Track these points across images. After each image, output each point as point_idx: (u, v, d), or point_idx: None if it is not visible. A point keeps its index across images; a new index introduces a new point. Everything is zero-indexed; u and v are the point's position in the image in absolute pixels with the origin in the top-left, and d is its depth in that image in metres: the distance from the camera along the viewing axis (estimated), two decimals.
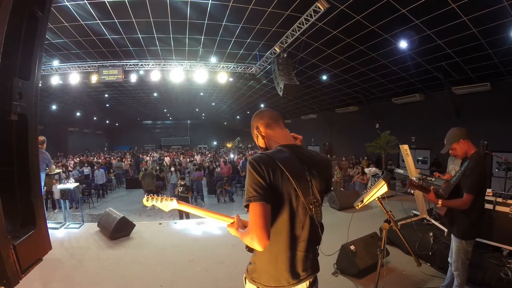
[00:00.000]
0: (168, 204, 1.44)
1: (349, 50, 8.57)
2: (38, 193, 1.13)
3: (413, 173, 4.27)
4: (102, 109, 22.27)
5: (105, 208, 5.43)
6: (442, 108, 9.98)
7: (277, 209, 1.15)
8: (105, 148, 28.92)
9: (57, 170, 9.04)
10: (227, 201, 10.52)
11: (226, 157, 16.76)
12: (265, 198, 1.09)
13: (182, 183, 8.34)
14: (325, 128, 17.74)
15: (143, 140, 32.50)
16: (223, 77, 10.65)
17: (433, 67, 8.57)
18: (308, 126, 19.09)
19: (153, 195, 1.46)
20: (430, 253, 3.34)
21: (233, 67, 10.99)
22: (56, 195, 8.57)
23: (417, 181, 2.40)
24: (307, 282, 1.24)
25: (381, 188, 2.29)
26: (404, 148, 4.51)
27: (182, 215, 7.11)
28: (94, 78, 10.11)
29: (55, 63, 10.10)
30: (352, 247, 3.18)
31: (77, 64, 10.29)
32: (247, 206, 1.13)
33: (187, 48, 9.61)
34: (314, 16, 6.63)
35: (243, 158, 14.37)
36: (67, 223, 5.03)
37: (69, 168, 13.40)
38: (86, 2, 6.46)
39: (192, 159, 16.71)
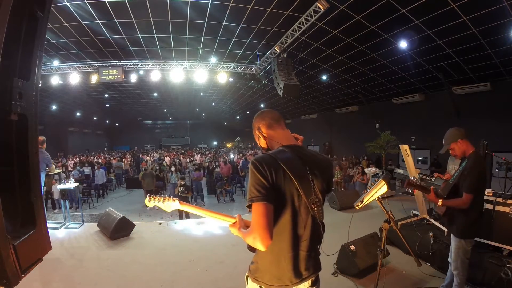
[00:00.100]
0: (171, 204, 1.44)
1: (349, 50, 8.57)
2: (38, 193, 1.13)
3: (413, 173, 4.27)
4: (102, 109, 22.27)
5: (105, 208, 5.43)
6: (442, 108, 9.98)
7: (280, 209, 1.16)
8: (105, 148, 28.92)
9: (57, 170, 9.05)
10: (227, 201, 10.52)
11: (226, 157, 16.77)
12: (268, 198, 1.09)
13: (182, 183, 8.34)
14: (325, 128, 17.74)
15: (143, 140, 32.51)
16: (223, 77, 10.65)
17: (433, 67, 8.57)
18: (308, 126, 19.09)
19: (155, 196, 1.46)
20: (430, 253, 3.34)
21: (233, 67, 10.99)
22: (56, 195, 8.57)
23: (415, 180, 2.41)
24: (309, 281, 1.25)
25: (381, 188, 2.29)
26: (404, 148, 4.51)
27: (182, 215, 7.11)
28: (94, 78, 10.11)
29: (55, 63, 10.10)
30: (352, 247, 3.18)
31: (77, 64, 10.29)
32: (249, 206, 1.13)
33: (187, 48, 9.61)
34: (314, 16, 6.63)
35: (243, 158, 14.37)
36: (67, 223, 5.03)
37: (69, 168, 13.41)
38: (86, 2, 6.46)
39: (192, 159, 16.71)
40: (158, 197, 1.45)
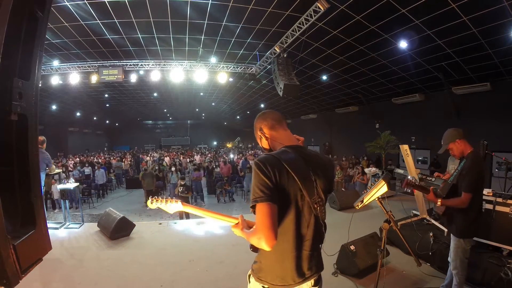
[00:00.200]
0: (173, 206, 1.43)
1: (349, 50, 8.57)
2: (38, 193, 1.13)
3: (413, 173, 4.27)
4: (102, 109, 22.27)
5: (105, 208, 5.43)
6: (442, 108, 9.98)
7: (283, 209, 1.17)
8: (105, 148, 28.92)
9: (57, 170, 9.06)
10: (227, 201, 10.52)
11: (226, 157, 16.76)
12: (272, 198, 1.10)
13: (182, 183, 8.34)
14: (325, 128, 17.75)
15: (143, 140, 32.51)
16: (223, 77, 10.65)
17: (433, 67, 8.57)
18: (308, 126, 19.09)
19: (158, 197, 1.45)
20: (430, 253, 3.34)
21: (233, 67, 10.99)
22: (56, 195, 8.57)
23: (413, 180, 2.42)
24: (312, 281, 1.26)
25: (381, 188, 2.29)
26: (404, 148, 4.51)
27: (182, 215, 7.11)
28: (94, 78, 10.11)
29: (55, 63, 10.10)
30: (352, 247, 3.18)
31: (77, 64, 10.29)
32: (253, 207, 1.13)
33: (187, 48, 9.61)
34: (314, 16, 6.63)
35: (243, 158, 14.37)
36: (67, 223, 5.03)
37: (69, 168, 13.41)
38: (86, 2, 6.46)
39: (192, 159, 16.70)
40: (161, 198, 1.44)
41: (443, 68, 8.44)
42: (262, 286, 1.24)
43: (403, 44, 7.61)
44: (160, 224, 5.10)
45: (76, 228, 4.80)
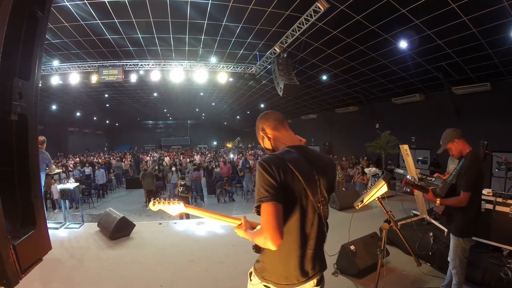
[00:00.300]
0: (176, 207, 1.43)
1: (349, 50, 8.57)
2: (38, 193, 1.13)
3: (413, 173, 4.27)
4: (102, 109, 22.28)
5: (105, 208, 5.43)
6: (442, 108, 9.98)
7: (288, 208, 1.17)
8: (105, 148, 28.92)
9: (57, 170, 9.07)
10: (227, 201, 10.51)
11: (226, 157, 16.75)
12: (277, 198, 1.10)
13: (182, 183, 8.33)
14: (325, 128, 17.74)
15: (143, 140, 32.51)
16: (223, 77, 10.65)
17: (433, 67, 8.57)
18: (308, 126, 19.08)
19: (160, 199, 1.44)
20: (430, 253, 3.34)
21: (233, 67, 10.99)
22: (55, 195, 8.57)
23: (412, 179, 2.43)
24: (315, 280, 1.27)
25: (381, 188, 2.29)
26: (404, 148, 4.52)
27: (182, 215, 7.10)
28: (94, 78, 10.11)
29: (55, 63, 10.10)
30: (352, 247, 3.18)
31: (77, 64, 10.29)
32: (258, 207, 1.13)
33: (187, 48, 9.61)
34: (314, 16, 6.63)
35: (243, 158, 14.37)
36: (67, 223, 5.03)
37: (69, 168, 13.41)
38: (86, 2, 6.46)
39: (192, 159, 16.70)
40: (163, 200, 1.44)
41: (443, 68, 8.44)
42: (264, 285, 1.24)
43: (403, 44, 7.61)
44: (160, 224, 5.10)
45: (76, 228, 4.80)
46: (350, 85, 11.79)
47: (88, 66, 10.31)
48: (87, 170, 12.46)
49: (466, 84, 8.88)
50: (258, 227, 1.30)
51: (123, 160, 16.90)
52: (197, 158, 17.44)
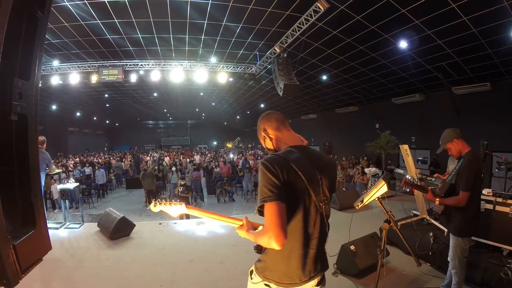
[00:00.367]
0: (177, 208, 1.42)
1: (349, 50, 8.57)
2: (38, 193, 1.13)
3: (413, 173, 4.27)
4: (102, 109, 22.29)
5: (105, 208, 5.43)
6: (442, 108, 9.99)
7: (291, 208, 1.17)
8: (105, 148, 28.92)
9: (57, 170, 9.06)
10: (227, 201, 10.51)
11: (226, 157, 16.75)
12: (280, 197, 1.10)
13: (183, 183, 8.33)
14: (325, 128, 17.75)
15: (143, 140, 32.51)
16: (223, 77, 10.65)
17: (433, 67, 8.57)
18: (308, 126, 19.09)
19: (161, 200, 1.43)
20: (430, 253, 3.34)
21: (233, 67, 10.99)
22: (55, 195, 8.56)
23: (411, 179, 2.43)
24: (316, 280, 1.27)
25: (381, 188, 2.29)
26: (404, 148, 4.52)
27: (182, 215, 7.11)
28: (94, 78, 10.11)
29: (55, 63, 10.10)
30: (352, 247, 3.18)
31: (77, 64, 10.29)
32: (261, 207, 1.13)
33: (187, 48, 9.61)
34: (314, 16, 6.63)
35: (243, 158, 14.36)
36: (67, 223, 5.03)
37: (69, 168, 13.40)
38: (86, 2, 6.46)
39: (192, 159, 16.70)
40: (164, 201, 1.43)
41: (443, 68, 8.44)
42: (265, 284, 1.24)
43: (403, 44, 7.62)
44: (160, 224, 5.10)
45: (76, 228, 4.80)
46: (350, 85, 11.79)
47: (88, 66, 10.31)
48: (87, 170, 12.45)
49: (466, 84, 8.88)
50: (260, 227, 1.31)
51: (123, 160, 16.89)
52: (197, 158, 17.44)
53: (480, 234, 3.00)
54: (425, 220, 4.20)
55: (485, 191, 3.06)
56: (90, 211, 9.08)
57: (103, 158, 18.71)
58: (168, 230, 4.86)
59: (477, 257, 2.84)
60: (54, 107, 17.62)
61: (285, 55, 8.59)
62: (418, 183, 2.56)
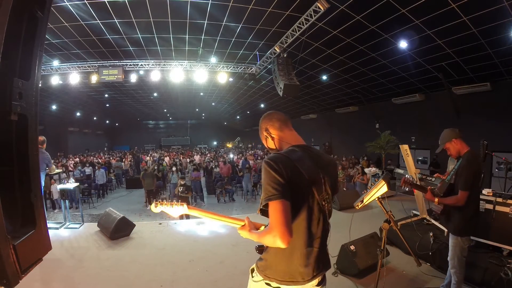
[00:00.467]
0: (178, 209, 1.42)
1: (349, 50, 8.57)
2: (38, 193, 1.13)
3: (413, 173, 4.26)
4: (102, 109, 22.28)
5: (105, 208, 5.43)
6: (442, 108, 9.99)
7: (295, 207, 1.17)
8: (105, 148, 28.92)
9: (57, 170, 9.05)
10: (227, 201, 10.51)
11: (226, 157, 16.75)
12: (285, 195, 1.10)
13: (183, 183, 8.33)
14: (325, 128, 17.75)
15: (143, 140, 32.52)
16: (223, 77, 10.65)
17: (433, 67, 8.58)
18: (308, 126, 19.09)
19: (162, 201, 1.43)
20: (430, 253, 3.34)
21: (233, 67, 10.99)
22: (55, 195, 8.57)
23: (411, 179, 2.43)
24: (318, 280, 1.27)
25: (381, 188, 2.30)
26: (404, 148, 4.52)
27: (182, 215, 7.10)
28: (94, 78, 10.11)
29: (55, 63, 10.10)
30: (352, 247, 3.18)
31: (77, 64, 10.29)
32: (265, 206, 1.13)
33: (187, 48, 9.61)
34: (314, 16, 6.63)
35: (243, 158, 14.36)
36: (67, 223, 5.03)
37: (69, 168, 13.40)
38: (86, 2, 6.47)
39: (192, 159, 16.70)
40: (165, 201, 1.42)
41: (443, 68, 8.44)
42: (266, 283, 1.24)
43: (403, 44, 7.62)
44: (160, 224, 5.10)
45: (76, 228, 4.80)
46: (350, 85, 11.79)
47: (88, 66, 10.30)
48: (87, 170, 12.45)
49: (466, 84, 8.88)
50: (262, 227, 1.30)
51: (123, 160, 16.89)
52: (196, 158, 17.44)
53: (480, 234, 3.00)
54: (425, 220, 4.20)
55: (485, 191, 3.06)
56: (90, 211, 9.08)
57: (103, 158, 18.71)
58: (168, 230, 4.86)
59: (477, 257, 2.83)
60: (54, 107, 17.62)
61: (285, 55, 8.59)
62: (418, 183, 2.56)
